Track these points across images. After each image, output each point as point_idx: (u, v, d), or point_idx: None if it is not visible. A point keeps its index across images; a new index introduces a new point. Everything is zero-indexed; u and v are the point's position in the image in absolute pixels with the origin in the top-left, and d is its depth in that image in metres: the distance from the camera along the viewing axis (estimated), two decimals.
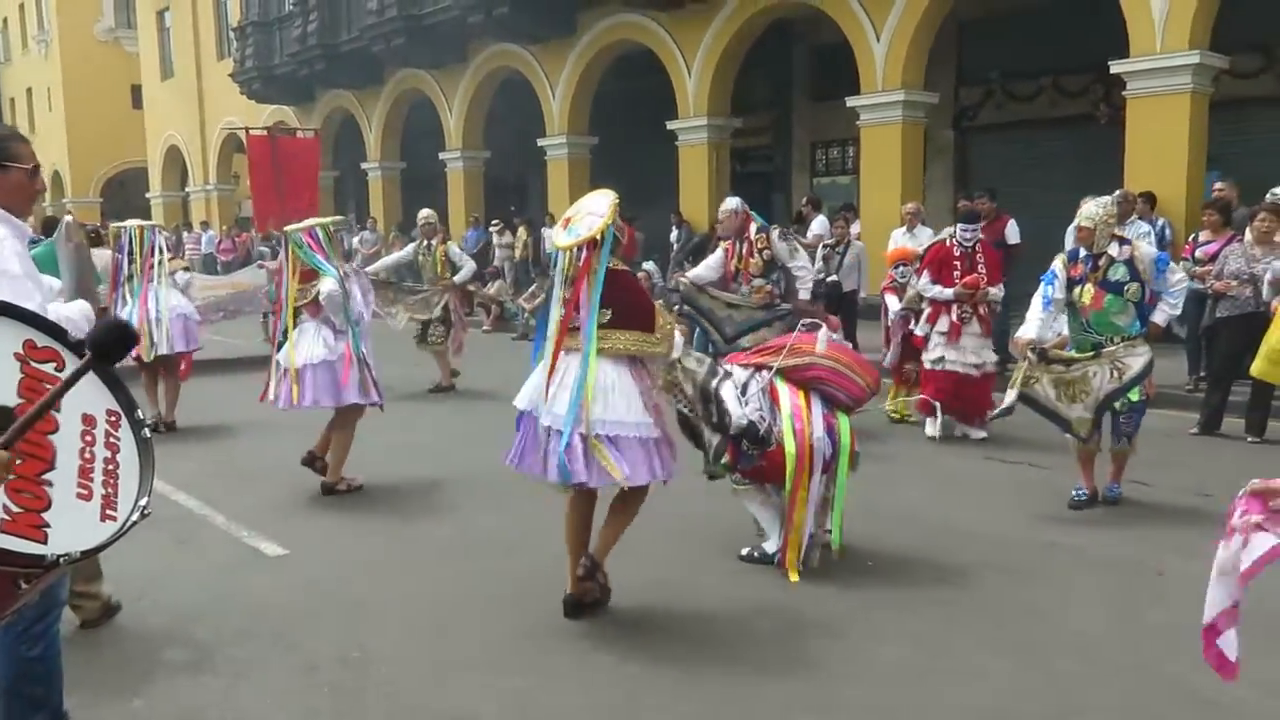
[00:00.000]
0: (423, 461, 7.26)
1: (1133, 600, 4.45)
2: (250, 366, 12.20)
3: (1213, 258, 8.16)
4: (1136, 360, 5.63)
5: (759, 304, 7.39)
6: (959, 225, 7.94)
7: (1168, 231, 10.47)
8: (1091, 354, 5.70)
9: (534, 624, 4.24)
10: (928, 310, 7.81)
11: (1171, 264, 6.07)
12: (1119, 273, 5.67)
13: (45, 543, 1.95)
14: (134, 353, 8.17)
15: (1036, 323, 5.80)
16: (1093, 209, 5.78)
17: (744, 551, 4.97)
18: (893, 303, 8.34)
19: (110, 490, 2.12)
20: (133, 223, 8.71)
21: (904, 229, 10.72)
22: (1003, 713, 3.47)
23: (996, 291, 7.79)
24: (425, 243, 10.53)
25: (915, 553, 5.09)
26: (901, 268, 8.45)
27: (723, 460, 4.71)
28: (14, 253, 2.85)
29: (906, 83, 14.01)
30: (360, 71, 23.11)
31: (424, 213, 10.68)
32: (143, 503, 2.15)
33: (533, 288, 15.79)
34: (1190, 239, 9.06)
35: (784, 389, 4.79)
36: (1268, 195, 8.39)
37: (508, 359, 12.77)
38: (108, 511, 2.10)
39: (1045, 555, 5.06)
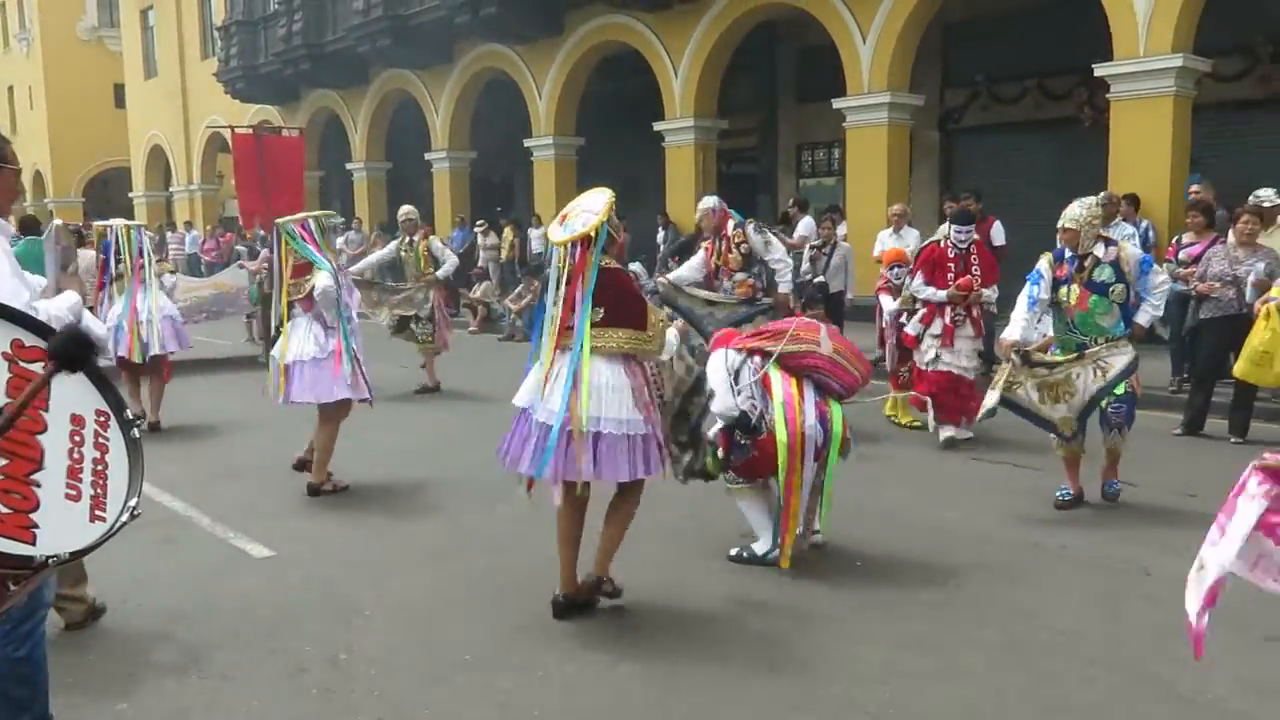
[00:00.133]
0: (409, 462, 7.24)
1: (1117, 599, 4.48)
2: (234, 367, 12.19)
3: (1196, 259, 8.21)
4: (1120, 359, 5.65)
5: (740, 299, 7.43)
6: (953, 227, 7.91)
7: (1151, 233, 10.54)
8: (1075, 355, 5.73)
9: (523, 624, 4.23)
10: (922, 311, 7.80)
11: (1155, 266, 6.11)
12: (1104, 274, 5.70)
13: (34, 544, 1.94)
14: (123, 352, 8.14)
15: (1021, 324, 5.81)
16: (1076, 210, 5.80)
17: (733, 552, 4.98)
18: (887, 303, 8.34)
19: (99, 491, 2.12)
20: (118, 222, 8.67)
21: (890, 230, 10.77)
22: (988, 711, 3.48)
23: (990, 293, 7.78)
24: (407, 240, 10.52)
25: (902, 553, 5.11)
26: (897, 269, 8.44)
27: (717, 452, 4.74)
28: (2, 251, 2.85)
29: (892, 85, 14.07)
30: (345, 71, 23.03)
31: (404, 209, 10.67)
32: (132, 503, 2.14)
33: (519, 289, 15.80)
34: (1174, 241, 9.11)
35: (777, 376, 4.80)
36: (1251, 198, 8.45)
37: (494, 360, 12.78)
38: (97, 512, 2.09)
39: (1031, 555, 5.08)
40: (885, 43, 14.02)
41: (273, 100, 26.22)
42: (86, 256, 8.42)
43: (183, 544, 5.47)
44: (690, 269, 7.84)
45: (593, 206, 4.17)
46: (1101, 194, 8.98)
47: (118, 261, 8.35)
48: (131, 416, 2.30)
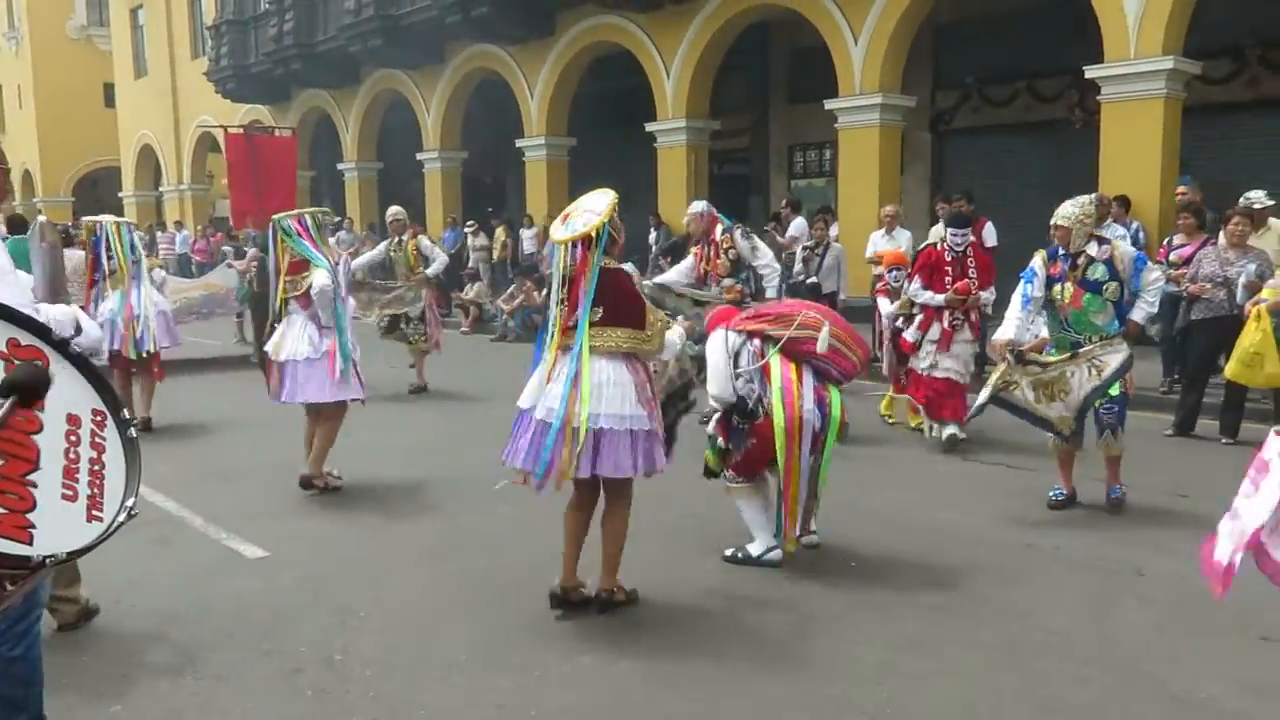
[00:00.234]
0: (403, 462, 7.22)
1: (1111, 599, 4.49)
2: (223, 367, 12.15)
3: (1187, 261, 8.24)
4: (1114, 357, 5.66)
5: (728, 301, 7.44)
6: (949, 230, 7.85)
7: (1141, 235, 10.57)
8: (1069, 354, 5.74)
9: (519, 624, 4.23)
10: (919, 316, 7.78)
11: (1149, 263, 6.12)
12: (1098, 272, 5.71)
13: (30, 544, 1.93)
14: (117, 346, 8.10)
15: (1015, 323, 5.81)
16: (1069, 208, 5.80)
17: (728, 552, 4.98)
18: (884, 305, 8.32)
19: (96, 490, 2.10)
20: (107, 219, 8.61)
21: (883, 231, 10.78)
22: (984, 711, 3.49)
23: (988, 296, 7.75)
24: (396, 239, 10.50)
25: (898, 553, 5.11)
26: (896, 271, 8.39)
27: (717, 444, 4.75)
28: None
29: (884, 86, 14.10)
30: (337, 71, 22.99)
31: (392, 210, 10.65)
32: (129, 503, 2.12)
33: (511, 289, 15.79)
34: (1165, 242, 9.15)
35: (776, 361, 4.80)
36: (1241, 199, 8.49)
37: (487, 361, 12.77)
38: (94, 512, 2.08)
39: (1025, 556, 5.09)
40: (877, 44, 14.05)
41: (264, 100, 26.16)
42: (74, 256, 8.37)
43: (176, 545, 5.45)
44: (679, 273, 7.87)
45: (595, 207, 4.17)
46: (1092, 195, 8.96)
47: (109, 258, 8.30)
48: (128, 416, 2.29)
